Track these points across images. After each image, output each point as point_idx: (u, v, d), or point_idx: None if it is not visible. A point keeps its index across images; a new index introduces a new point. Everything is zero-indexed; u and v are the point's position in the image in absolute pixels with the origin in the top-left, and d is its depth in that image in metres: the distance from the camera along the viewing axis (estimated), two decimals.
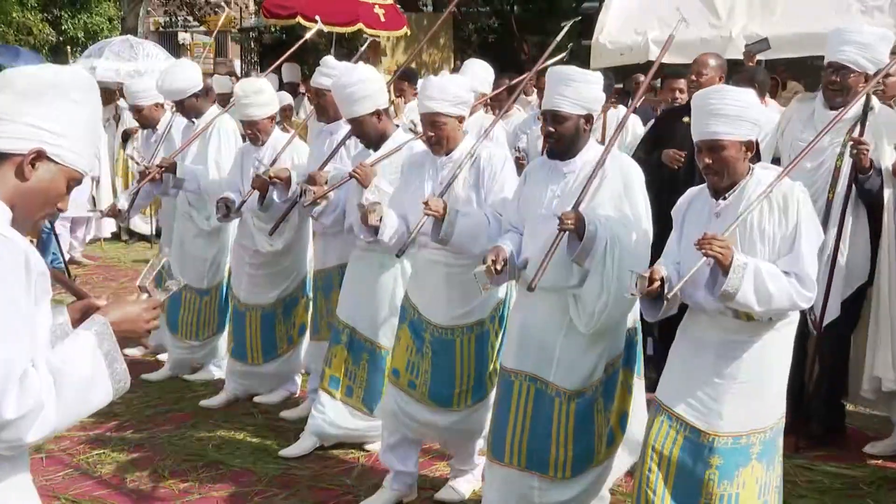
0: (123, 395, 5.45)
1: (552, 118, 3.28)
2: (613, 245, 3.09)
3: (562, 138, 3.29)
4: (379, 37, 11.28)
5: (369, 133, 4.16)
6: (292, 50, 6.46)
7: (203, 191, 5.21)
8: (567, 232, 3.08)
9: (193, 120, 5.43)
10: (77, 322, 1.93)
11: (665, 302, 2.89)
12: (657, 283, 2.86)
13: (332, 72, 4.62)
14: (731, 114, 2.87)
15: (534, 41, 17.49)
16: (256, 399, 5.15)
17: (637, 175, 3.31)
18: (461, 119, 3.73)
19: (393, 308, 4.18)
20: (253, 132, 4.89)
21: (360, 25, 10.90)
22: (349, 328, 4.30)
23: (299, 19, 10.16)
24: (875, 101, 4.26)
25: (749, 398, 2.94)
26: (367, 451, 4.45)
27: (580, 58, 6.21)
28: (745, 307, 2.81)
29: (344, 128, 4.55)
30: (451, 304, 3.74)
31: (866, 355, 4.32)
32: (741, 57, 6.44)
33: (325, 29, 9.99)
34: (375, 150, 4.17)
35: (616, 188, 3.24)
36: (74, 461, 4.36)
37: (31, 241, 6.72)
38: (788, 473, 4.15)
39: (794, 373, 4.43)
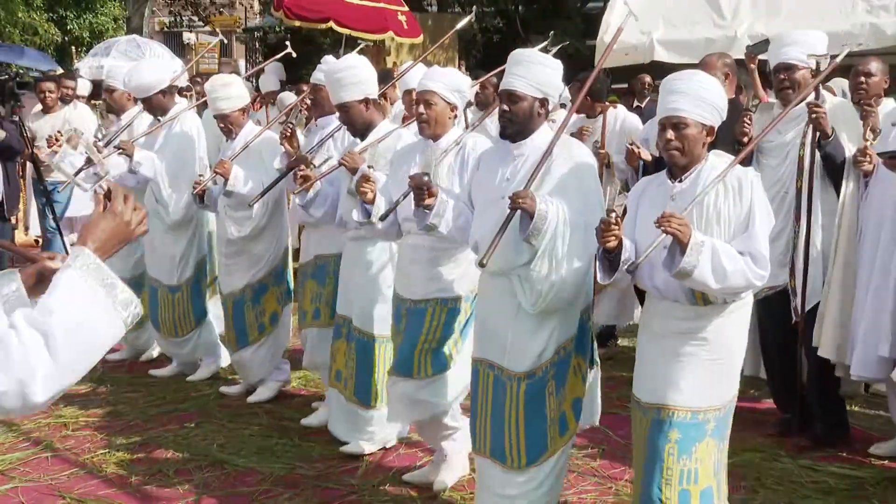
0: (129, 395, 5.43)
1: (507, 98, 3.32)
2: (564, 226, 3.12)
3: (515, 118, 3.31)
4: (380, 41, 11.35)
5: (356, 120, 4.22)
6: (205, 48, 6.50)
7: (158, 176, 5.29)
8: (519, 210, 3.11)
9: (159, 119, 5.48)
10: (33, 289, 1.84)
11: (619, 270, 2.96)
12: (616, 231, 2.87)
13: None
14: (695, 95, 2.99)
15: (538, 41, 17.47)
16: (250, 400, 5.13)
17: (588, 162, 3.34)
18: (453, 108, 3.81)
19: (384, 296, 4.21)
20: (225, 125, 5.00)
21: (390, 33, 11.00)
22: (347, 320, 4.35)
23: (331, 24, 10.27)
24: (825, 94, 4.44)
25: (707, 375, 3.03)
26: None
27: (585, 58, 6.20)
28: (701, 285, 2.89)
29: (334, 122, 4.64)
30: (429, 281, 3.81)
31: (814, 329, 4.39)
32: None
33: (354, 35, 10.05)
34: (362, 139, 4.24)
35: (563, 174, 3.24)
36: (80, 460, 4.37)
37: (37, 241, 6.85)
38: (793, 474, 4.16)
39: (787, 370, 4.49)
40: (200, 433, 4.71)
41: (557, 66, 3.36)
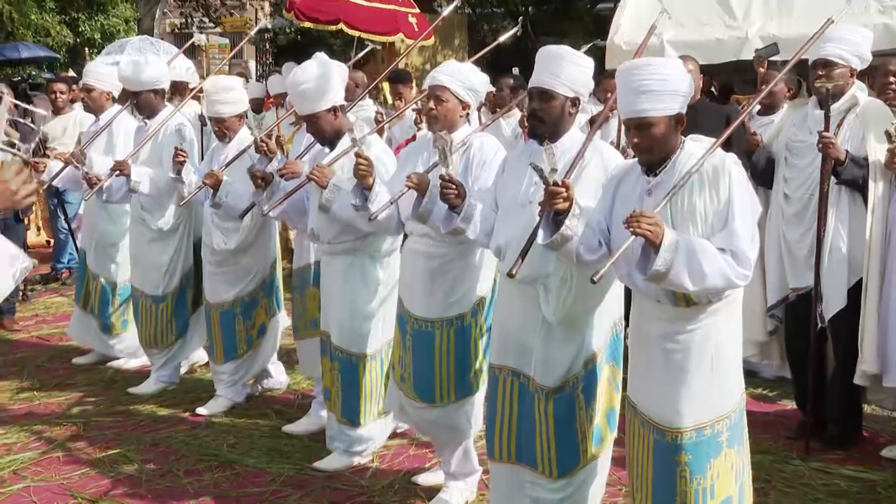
0: (140, 395, 5.43)
1: (538, 96, 3.19)
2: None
3: (546, 118, 3.19)
4: (376, 43, 11.38)
5: (325, 130, 4.10)
6: (234, 51, 6.43)
7: (161, 193, 5.15)
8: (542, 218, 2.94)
9: (146, 121, 5.34)
10: None
11: (564, 232, 2.81)
12: (563, 191, 2.78)
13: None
14: (655, 89, 2.76)
15: (549, 42, 17.47)
16: (199, 411, 5.00)
17: (619, 164, 3.19)
18: (465, 106, 3.70)
19: (362, 312, 4.11)
20: (220, 129, 4.88)
21: (400, 35, 11.01)
22: (327, 336, 4.24)
23: (342, 26, 10.30)
24: (861, 95, 4.36)
25: (705, 387, 2.84)
26: (384, 448, 4.43)
27: (595, 59, 6.19)
28: (678, 287, 2.68)
29: None
30: (432, 296, 3.70)
31: (857, 344, 4.30)
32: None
33: (363, 37, 10.05)
34: (331, 147, 4.13)
35: (596, 177, 3.13)
36: (91, 460, 4.38)
37: (48, 242, 6.85)
38: (804, 476, 4.14)
39: (803, 370, 4.46)
40: (210, 434, 4.72)
41: (589, 65, 3.24)
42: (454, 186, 3.33)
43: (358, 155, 3.71)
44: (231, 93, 4.87)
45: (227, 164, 4.75)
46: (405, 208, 3.64)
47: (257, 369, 5.20)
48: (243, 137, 4.92)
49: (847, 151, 4.19)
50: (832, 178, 4.24)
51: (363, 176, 3.71)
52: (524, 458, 3.30)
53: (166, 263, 5.33)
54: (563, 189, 2.80)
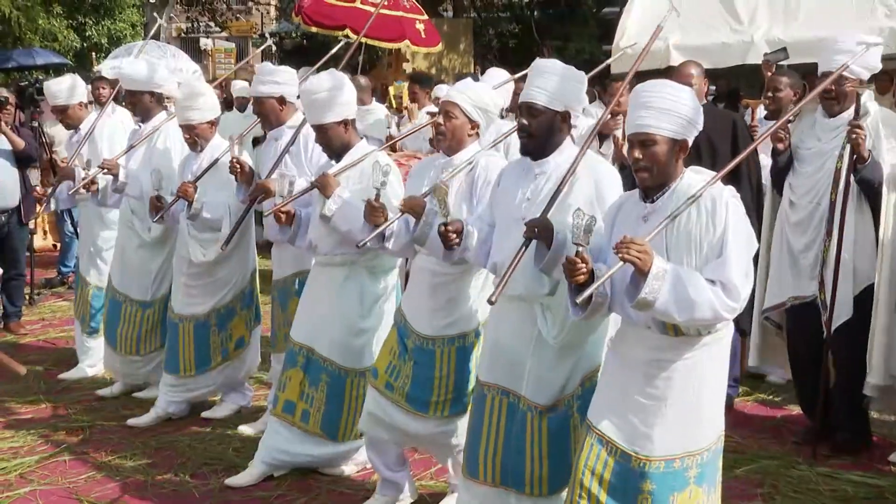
0: (144, 399, 5.42)
1: (527, 111, 3.16)
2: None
3: (535, 134, 3.17)
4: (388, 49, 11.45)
5: (334, 142, 4.04)
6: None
7: (145, 196, 5.01)
8: (534, 240, 2.92)
9: (140, 124, 5.30)
10: None
11: (596, 300, 2.75)
12: (583, 266, 2.69)
13: (267, 78, 4.57)
14: (664, 108, 2.73)
15: (554, 46, 17.52)
16: (204, 415, 4.99)
17: (612, 181, 3.16)
18: (474, 126, 3.64)
19: (356, 327, 4.06)
20: (191, 136, 4.76)
21: (406, 42, 11.03)
22: (306, 349, 4.12)
23: (347, 31, 10.38)
24: (872, 104, 4.35)
25: (681, 420, 2.79)
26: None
27: (601, 63, 6.14)
28: (666, 317, 2.65)
29: (287, 133, 4.51)
30: (435, 313, 3.65)
31: (862, 355, 4.27)
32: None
33: (371, 44, 10.10)
34: (337, 160, 4.05)
35: (587, 193, 3.07)
36: (97, 464, 4.39)
37: (55, 246, 6.86)
38: (812, 482, 4.13)
39: (811, 379, 4.44)
40: (216, 437, 4.72)
41: (582, 79, 3.21)
42: (454, 234, 3.28)
43: (371, 205, 3.60)
44: (201, 99, 4.73)
45: (200, 177, 4.65)
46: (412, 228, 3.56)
47: (240, 377, 5.09)
48: (216, 145, 4.81)
49: (870, 151, 4.17)
50: (844, 182, 4.19)
51: (376, 220, 3.61)
52: (510, 481, 3.23)
53: (155, 270, 5.24)
54: (582, 263, 2.70)
